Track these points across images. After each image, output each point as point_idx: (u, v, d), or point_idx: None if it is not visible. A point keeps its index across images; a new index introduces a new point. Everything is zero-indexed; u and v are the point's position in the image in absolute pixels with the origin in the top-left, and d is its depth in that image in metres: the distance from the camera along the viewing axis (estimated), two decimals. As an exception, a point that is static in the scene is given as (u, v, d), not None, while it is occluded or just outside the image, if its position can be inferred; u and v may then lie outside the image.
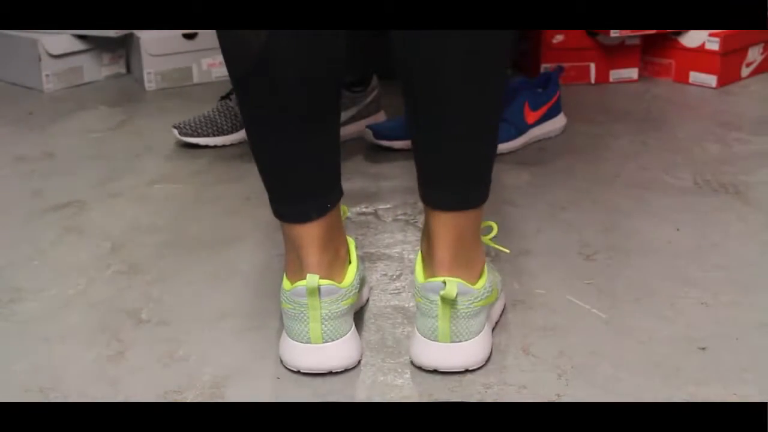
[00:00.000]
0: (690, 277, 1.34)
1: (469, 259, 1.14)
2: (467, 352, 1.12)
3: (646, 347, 1.17)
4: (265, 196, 1.16)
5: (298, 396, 1.09)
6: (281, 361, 1.15)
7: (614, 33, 2.25)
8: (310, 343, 1.12)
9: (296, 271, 1.14)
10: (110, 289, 1.34)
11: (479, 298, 1.12)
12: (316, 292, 1.11)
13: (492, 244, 1.25)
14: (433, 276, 1.12)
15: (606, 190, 1.66)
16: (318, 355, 1.12)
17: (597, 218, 1.55)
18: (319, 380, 1.12)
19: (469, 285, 1.11)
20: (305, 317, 1.11)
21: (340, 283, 1.14)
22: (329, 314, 1.12)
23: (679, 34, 2.29)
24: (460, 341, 1.11)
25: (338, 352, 1.13)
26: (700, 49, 2.25)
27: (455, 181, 1.12)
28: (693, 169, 1.74)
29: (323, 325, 1.12)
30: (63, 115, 2.13)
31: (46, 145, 1.94)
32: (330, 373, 1.13)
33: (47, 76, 2.30)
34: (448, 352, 1.11)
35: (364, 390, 1.11)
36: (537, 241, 1.47)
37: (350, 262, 1.19)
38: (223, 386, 1.11)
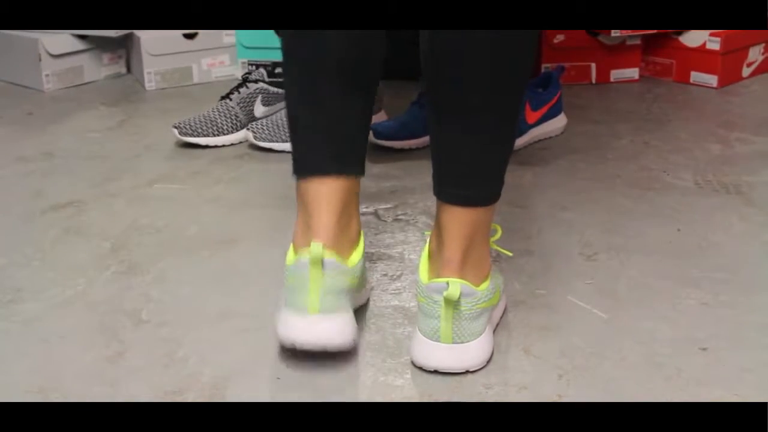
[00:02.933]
0: (691, 277, 1.34)
1: (476, 260, 1.14)
2: (468, 353, 1.12)
3: (647, 347, 1.17)
4: (265, 197, 1.16)
5: (298, 396, 1.09)
6: (278, 337, 1.13)
7: (615, 33, 2.25)
8: (306, 312, 1.10)
9: (304, 236, 1.14)
10: (110, 289, 1.34)
11: (482, 300, 1.12)
12: (320, 262, 1.09)
13: (495, 247, 1.25)
14: (438, 276, 1.12)
15: (607, 190, 1.66)
16: (313, 328, 1.10)
17: (598, 218, 1.54)
18: (319, 380, 1.12)
19: (473, 287, 1.11)
20: (305, 287, 1.10)
21: (345, 260, 1.14)
22: (330, 288, 1.10)
23: (680, 33, 2.29)
24: (462, 342, 1.11)
25: (333, 327, 1.10)
26: (701, 49, 2.25)
27: (472, 178, 1.13)
28: (694, 169, 1.74)
29: (322, 297, 1.10)
30: (63, 115, 2.12)
31: (46, 145, 1.93)
32: (327, 363, 1.12)
33: (47, 76, 2.29)
34: (450, 352, 1.11)
35: (365, 390, 1.10)
36: (538, 241, 1.47)
37: (358, 246, 1.19)
38: (223, 386, 1.11)
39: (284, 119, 1.83)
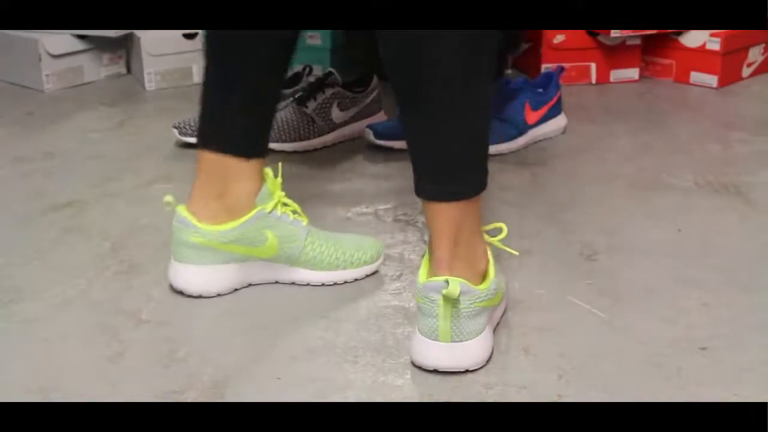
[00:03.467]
0: (691, 277, 1.34)
1: (468, 256, 1.14)
2: (468, 352, 1.12)
3: (647, 347, 1.17)
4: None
5: (298, 396, 1.09)
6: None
7: (615, 33, 2.25)
8: (177, 263, 1.30)
9: None
10: (110, 289, 1.34)
11: (481, 299, 1.12)
12: (171, 205, 1.28)
13: (501, 246, 1.24)
14: (434, 275, 1.12)
15: (607, 191, 1.66)
16: (171, 270, 1.30)
17: (597, 218, 1.54)
18: (319, 380, 1.12)
19: (470, 284, 1.11)
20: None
21: (201, 221, 1.27)
22: (177, 239, 1.28)
23: (680, 34, 2.29)
24: (461, 341, 1.11)
25: (179, 274, 1.29)
26: (701, 50, 2.25)
27: (443, 173, 1.13)
28: (694, 170, 1.74)
29: (174, 246, 1.29)
30: (63, 115, 2.12)
31: (46, 145, 1.93)
32: (327, 364, 1.12)
33: (47, 76, 2.29)
34: (449, 351, 1.11)
35: (365, 390, 1.10)
36: (537, 241, 1.47)
37: (236, 220, 1.27)
38: (223, 386, 1.11)
39: (283, 120, 1.83)
